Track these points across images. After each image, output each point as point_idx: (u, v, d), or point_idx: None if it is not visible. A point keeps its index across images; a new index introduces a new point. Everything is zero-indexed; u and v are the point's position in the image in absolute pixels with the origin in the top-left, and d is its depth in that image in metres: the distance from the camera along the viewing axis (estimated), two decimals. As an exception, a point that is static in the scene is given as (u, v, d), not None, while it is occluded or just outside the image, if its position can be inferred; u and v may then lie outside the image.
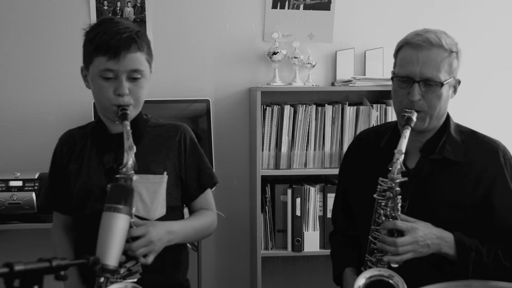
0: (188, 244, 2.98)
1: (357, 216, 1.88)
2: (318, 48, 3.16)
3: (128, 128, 1.54)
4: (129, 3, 3.04)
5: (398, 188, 1.60)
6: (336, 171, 2.95)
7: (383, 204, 1.61)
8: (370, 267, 1.62)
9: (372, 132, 1.95)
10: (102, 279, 1.36)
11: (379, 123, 2.96)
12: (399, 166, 1.58)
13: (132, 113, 1.62)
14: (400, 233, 1.59)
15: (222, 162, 3.13)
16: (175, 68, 3.11)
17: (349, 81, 3.03)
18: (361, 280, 1.53)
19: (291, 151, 2.96)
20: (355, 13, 3.18)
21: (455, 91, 1.73)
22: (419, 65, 1.65)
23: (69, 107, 3.01)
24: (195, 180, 1.77)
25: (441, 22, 3.20)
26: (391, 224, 1.60)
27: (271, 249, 2.98)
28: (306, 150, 2.97)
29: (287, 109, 2.94)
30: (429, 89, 1.65)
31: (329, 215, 2.96)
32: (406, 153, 1.65)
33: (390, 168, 1.58)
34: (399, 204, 1.61)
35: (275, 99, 3.05)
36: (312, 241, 2.94)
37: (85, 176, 1.72)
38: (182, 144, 1.75)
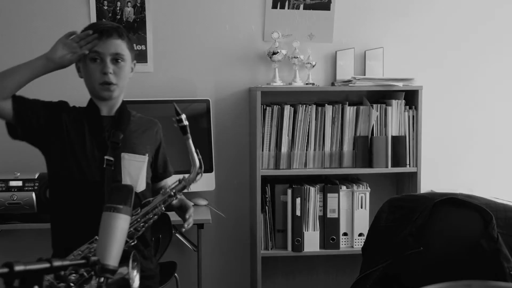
0: (188, 244, 3.00)
1: None
2: (318, 48, 3.15)
3: (191, 145, 1.76)
4: (129, 3, 3.04)
5: None
6: (336, 171, 2.99)
7: None
8: None
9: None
10: (102, 279, 1.36)
11: (379, 123, 2.96)
12: None
13: (116, 92, 1.91)
14: None
15: (222, 162, 3.12)
16: (175, 68, 3.11)
17: (349, 81, 3.02)
18: None
19: (291, 151, 2.96)
20: (355, 13, 3.18)
21: None
22: None
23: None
24: (161, 167, 2.09)
25: (441, 22, 3.21)
26: None
27: (271, 249, 2.98)
28: (306, 150, 2.97)
29: (287, 109, 2.94)
30: None
31: (329, 215, 2.96)
32: None
33: None
34: None
35: (275, 99, 3.05)
36: (312, 241, 2.94)
37: (88, 147, 1.90)
38: (157, 136, 2.06)
